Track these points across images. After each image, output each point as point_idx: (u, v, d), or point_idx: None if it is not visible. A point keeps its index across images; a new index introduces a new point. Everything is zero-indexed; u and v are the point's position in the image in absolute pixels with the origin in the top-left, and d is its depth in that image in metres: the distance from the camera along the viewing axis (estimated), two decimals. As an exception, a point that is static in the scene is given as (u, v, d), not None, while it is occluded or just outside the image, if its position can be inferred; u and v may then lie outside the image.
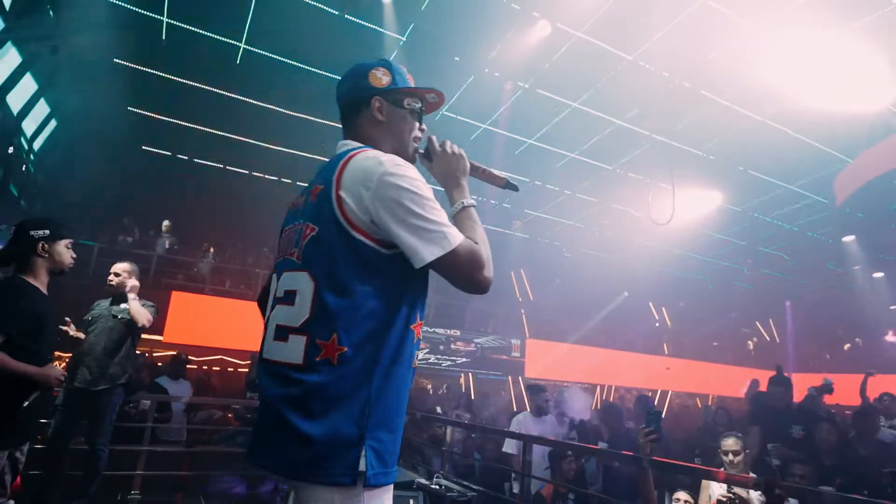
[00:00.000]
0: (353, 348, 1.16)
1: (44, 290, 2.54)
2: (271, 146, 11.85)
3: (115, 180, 10.82)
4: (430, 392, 12.77)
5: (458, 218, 1.33)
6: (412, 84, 1.44)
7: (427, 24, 8.22)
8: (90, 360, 4.22)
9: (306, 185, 1.37)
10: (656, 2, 7.58)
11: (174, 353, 10.73)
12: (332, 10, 7.79)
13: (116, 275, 4.44)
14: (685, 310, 18.47)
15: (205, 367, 10.59)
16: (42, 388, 2.49)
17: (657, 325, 18.56)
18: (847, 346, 17.14)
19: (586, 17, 7.77)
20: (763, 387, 10.53)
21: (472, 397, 13.68)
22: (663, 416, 3.88)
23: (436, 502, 4.12)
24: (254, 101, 10.39)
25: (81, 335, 4.24)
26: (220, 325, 10.40)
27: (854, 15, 7.09)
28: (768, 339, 19.72)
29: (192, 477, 5.20)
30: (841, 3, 6.93)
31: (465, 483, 4.47)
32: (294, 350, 1.19)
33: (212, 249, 12.47)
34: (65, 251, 2.56)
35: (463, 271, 1.21)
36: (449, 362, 12.70)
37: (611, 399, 14.60)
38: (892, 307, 14.36)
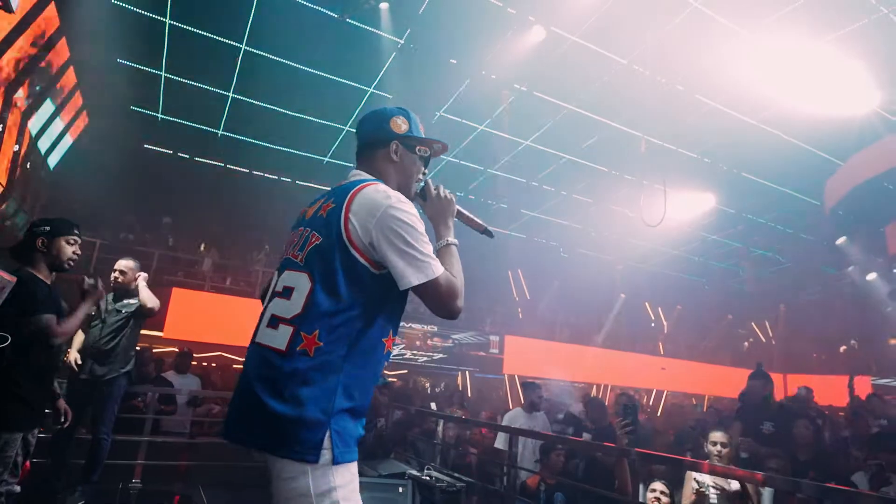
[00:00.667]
0: (330, 345, 1.38)
1: (47, 282, 2.71)
2: (271, 146, 12.00)
3: (118, 178, 10.96)
4: (429, 390, 12.93)
5: (442, 252, 1.58)
6: (423, 133, 1.72)
7: (424, 27, 8.36)
8: (95, 353, 4.40)
9: (320, 194, 1.61)
10: (650, 7, 7.74)
11: (175, 349, 10.91)
12: (331, 14, 7.94)
13: (122, 273, 4.61)
14: (681, 310, 18.62)
15: (205, 364, 10.74)
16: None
17: (653, 325, 18.72)
18: (843, 349, 17.28)
19: (581, 21, 7.93)
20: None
21: (469, 395, 13.88)
22: (658, 413, 4.03)
23: (425, 492, 4.28)
24: (254, 101, 10.54)
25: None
26: (220, 322, 10.56)
27: (839, 24, 7.26)
28: (763, 339, 19.87)
29: (192, 467, 5.37)
30: (827, 13, 7.11)
31: (456, 475, 4.63)
32: (280, 337, 1.39)
33: (203, 247, 12.66)
34: (65, 247, 2.72)
35: (440, 298, 1.45)
36: (425, 358, 12.87)
37: (606, 399, 14.73)
38: (888, 309, 14.50)
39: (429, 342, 13.01)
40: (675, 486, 3.76)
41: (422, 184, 1.70)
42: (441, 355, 12.94)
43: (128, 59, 9.38)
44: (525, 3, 7.70)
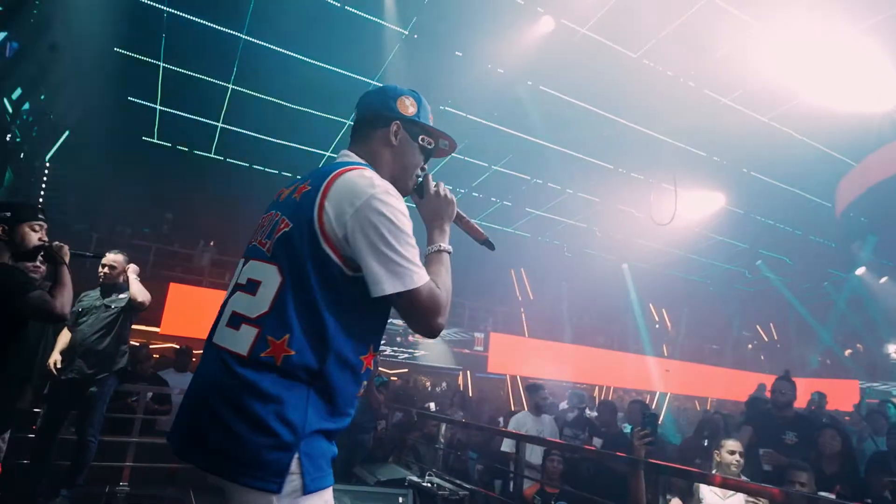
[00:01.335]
0: (300, 354, 1.15)
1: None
2: (271, 139, 11.78)
3: (115, 170, 10.78)
4: (429, 389, 12.72)
5: (431, 259, 1.36)
6: (432, 123, 1.48)
7: (430, 17, 8.13)
8: (84, 351, 4.19)
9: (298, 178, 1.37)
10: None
11: (172, 345, 10.71)
12: (333, 2, 7.71)
13: (112, 267, 4.41)
14: (686, 311, 18.40)
15: (202, 360, 10.55)
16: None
17: (657, 326, 18.51)
18: (848, 352, 17.06)
19: (591, 13, 7.69)
20: (770, 392, 10.49)
21: (470, 395, 13.66)
22: (660, 418, 3.82)
23: (426, 500, 4.07)
24: (254, 94, 10.31)
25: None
26: (217, 318, 10.36)
27: (862, 15, 7.00)
28: (767, 341, 19.65)
29: (183, 470, 5.15)
30: (846, 3, 6.84)
31: (458, 482, 4.41)
32: (242, 340, 1.17)
33: (202, 242, 12.45)
34: (29, 233, 2.48)
35: (419, 312, 1.22)
36: (406, 354, 12.64)
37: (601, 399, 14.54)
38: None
39: (410, 338, 12.76)
40: (687, 497, 3.55)
41: (420, 178, 1.46)
42: (423, 352, 12.63)
43: (125, 49, 9.15)
44: (534, -8, 7.46)
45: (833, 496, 3.47)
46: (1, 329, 2.30)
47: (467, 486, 4.35)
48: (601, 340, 15.54)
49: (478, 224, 1.57)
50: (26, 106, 8.44)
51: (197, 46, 9.02)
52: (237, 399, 1.12)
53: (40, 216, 2.52)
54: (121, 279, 4.46)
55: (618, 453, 3.67)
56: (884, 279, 13.87)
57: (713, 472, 3.52)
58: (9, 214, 2.44)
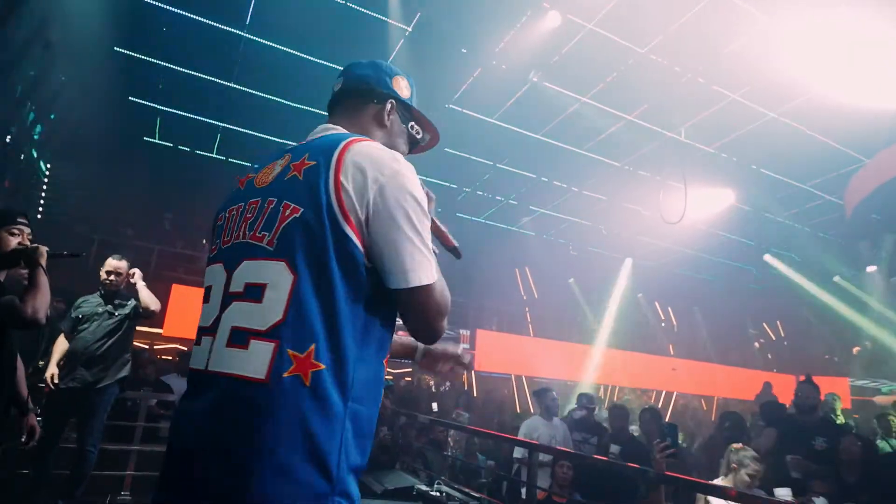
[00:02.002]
0: (333, 368, 0.95)
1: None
2: (273, 138, 11.66)
3: (116, 171, 10.69)
4: (433, 389, 12.60)
5: None
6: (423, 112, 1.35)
7: (434, 13, 7.99)
8: (87, 359, 4.10)
9: (270, 155, 1.20)
10: (669, -7, 7.36)
11: (177, 346, 10.62)
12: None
13: (117, 273, 4.33)
14: (692, 310, 18.26)
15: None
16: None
17: (663, 324, 18.38)
18: (855, 350, 16.89)
19: (598, 8, 7.53)
20: (776, 390, 10.30)
21: (475, 395, 13.55)
22: (667, 418, 3.70)
23: (436, 511, 3.96)
24: (256, 92, 10.20)
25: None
26: (220, 320, 10.28)
27: (876, 5, 6.82)
28: (774, 339, 19.49)
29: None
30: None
31: (466, 490, 4.31)
32: (256, 361, 0.94)
33: (205, 242, 12.35)
34: (8, 238, 2.38)
35: (430, 311, 1.07)
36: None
37: (615, 399, 14.43)
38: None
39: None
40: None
41: None
42: None
43: (125, 48, 9.04)
44: (540, -13, 7.31)
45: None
46: None
47: (476, 494, 4.24)
48: (609, 339, 15.38)
49: (447, 232, 1.44)
50: (28, 107, 8.35)
51: (198, 45, 8.89)
52: (259, 437, 0.90)
53: (20, 219, 2.41)
54: (123, 286, 4.39)
55: (635, 465, 3.54)
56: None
57: (724, 474, 3.40)
58: None
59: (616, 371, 14.47)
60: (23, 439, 2.79)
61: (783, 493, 3.24)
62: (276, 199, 1.06)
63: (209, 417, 0.97)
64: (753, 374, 15.58)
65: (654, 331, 17.71)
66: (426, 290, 1.04)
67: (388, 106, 1.28)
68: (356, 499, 0.98)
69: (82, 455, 4.05)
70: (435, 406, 10.72)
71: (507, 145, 11.44)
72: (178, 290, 10.49)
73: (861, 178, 10.27)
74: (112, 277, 4.29)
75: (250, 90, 10.15)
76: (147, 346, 10.27)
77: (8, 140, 8.06)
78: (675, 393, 15.93)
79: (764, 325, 19.58)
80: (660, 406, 15.42)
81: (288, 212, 1.03)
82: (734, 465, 3.34)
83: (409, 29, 8.37)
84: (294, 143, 1.24)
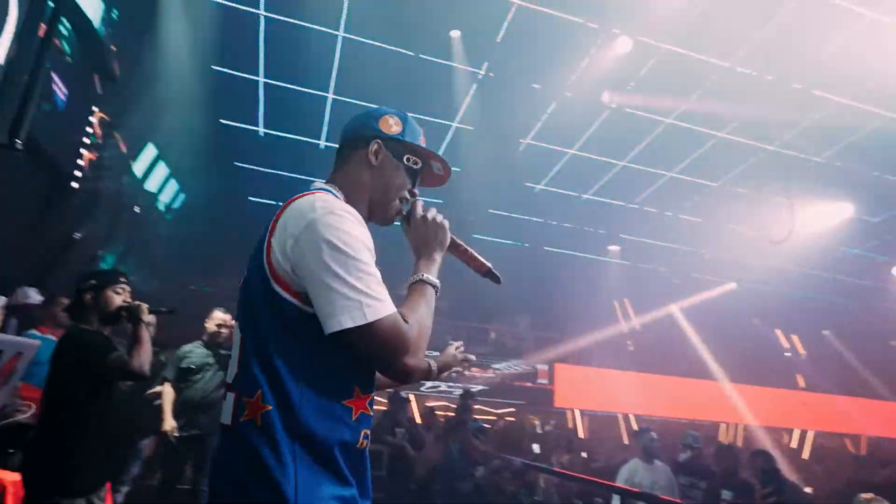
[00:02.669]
0: (277, 409, 1.04)
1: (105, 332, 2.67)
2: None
3: (224, 228, 11.57)
4: (539, 430, 12.17)
5: (410, 290, 1.22)
6: (423, 145, 1.36)
7: (504, 55, 8.15)
8: (207, 406, 4.44)
9: None
10: (750, 1, 6.98)
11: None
12: (406, 52, 7.99)
13: (227, 326, 4.69)
14: (821, 336, 16.36)
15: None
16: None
17: (787, 354, 16.61)
18: None
19: (671, 27, 7.28)
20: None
21: (581, 435, 12.91)
22: (805, 456, 3.29)
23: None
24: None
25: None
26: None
27: None
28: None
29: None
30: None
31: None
32: (227, 410, 1.12)
33: None
34: (113, 297, 2.66)
35: (377, 351, 1.08)
36: (461, 391, 12.05)
37: (735, 440, 13.17)
38: None
39: (466, 373, 12.26)
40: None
41: (408, 204, 1.34)
42: (481, 387, 12.01)
43: (228, 119, 10.05)
44: (606, 14, 7.20)
45: None
46: (87, 389, 2.45)
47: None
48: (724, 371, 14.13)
49: (478, 254, 1.42)
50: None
51: (290, 111, 9.72)
52: (230, 474, 1.05)
53: (122, 279, 2.72)
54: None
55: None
56: None
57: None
58: (94, 282, 2.65)
59: (734, 406, 13.20)
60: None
61: None
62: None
63: (214, 458, 1.16)
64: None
65: (777, 360, 16.03)
66: (358, 331, 1.04)
67: (374, 146, 1.31)
68: None
69: (197, 494, 4.36)
70: (536, 447, 10.38)
71: (591, 175, 11.21)
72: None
73: None
74: (224, 331, 4.67)
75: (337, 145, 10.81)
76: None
77: (137, 210, 9.06)
78: (811, 432, 14.19)
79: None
80: (795, 446, 13.81)
81: (244, 277, 1.19)
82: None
83: (482, 72, 8.58)
84: None
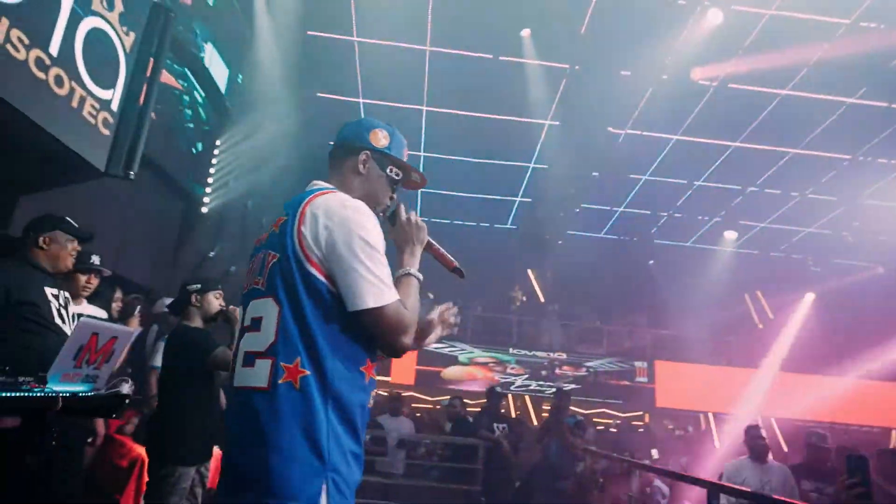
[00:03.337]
0: (315, 375, 1.23)
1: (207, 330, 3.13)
2: (463, 194, 12.57)
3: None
4: (676, 434, 11.51)
5: (399, 282, 1.40)
6: (405, 158, 1.58)
7: (589, 46, 8.00)
8: None
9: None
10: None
11: (381, 392, 11.78)
12: (485, 55, 8.15)
13: None
14: None
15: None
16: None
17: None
18: None
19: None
20: None
21: (716, 438, 11.98)
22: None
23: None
24: (442, 156, 11.25)
25: None
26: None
27: None
28: None
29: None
30: None
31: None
32: (260, 374, 1.25)
33: (430, 295, 13.57)
34: (213, 301, 3.11)
35: (385, 330, 1.27)
36: (553, 389, 11.40)
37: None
38: None
39: (557, 371, 11.67)
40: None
41: (392, 207, 1.54)
42: (573, 385, 11.40)
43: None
44: (692, -13, 6.83)
45: None
46: (194, 377, 2.92)
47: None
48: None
49: (447, 253, 1.61)
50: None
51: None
52: (266, 431, 1.18)
53: (219, 286, 3.18)
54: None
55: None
56: None
57: None
58: (199, 286, 3.12)
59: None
60: None
61: None
62: (266, 251, 1.38)
63: (235, 420, 1.30)
64: None
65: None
66: (375, 311, 1.25)
67: (363, 156, 1.51)
68: (347, 479, 1.22)
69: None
70: (655, 453, 9.88)
71: (700, 160, 10.51)
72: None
73: None
74: None
75: (437, 155, 11.23)
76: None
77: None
78: None
79: None
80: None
81: (270, 259, 1.35)
82: None
83: (568, 66, 8.49)
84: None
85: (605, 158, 10.22)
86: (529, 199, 12.74)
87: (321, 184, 1.50)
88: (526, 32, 7.68)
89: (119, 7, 3.04)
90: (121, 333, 1.95)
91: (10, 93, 2.44)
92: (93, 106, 2.96)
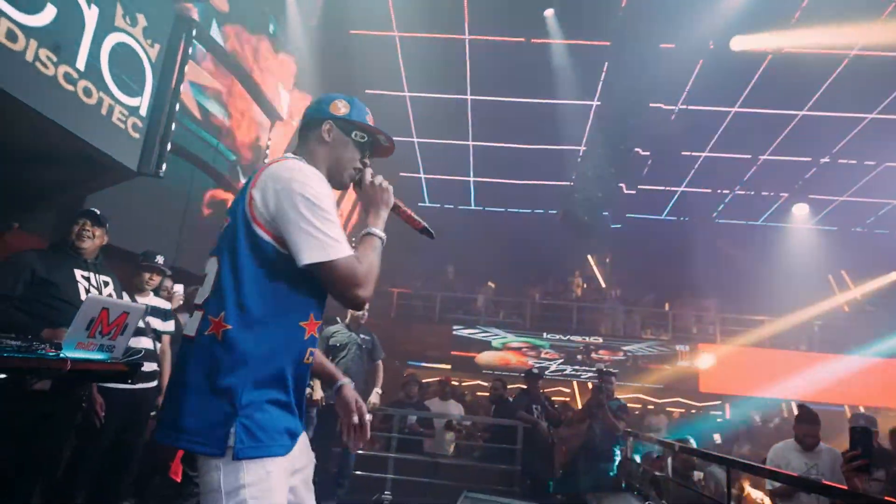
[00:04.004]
0: (238, 329, 1.32)
1: None
2: (516, 182, 12.53)
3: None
4: (759, 423, 10.99)
5: (361, 240, 1.48)
6: (370, 122, 1.64)
7: (628, 22, 7.77)
8: (351, 379, 5.24)
9: None
10: None
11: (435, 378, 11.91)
12: (519, 40, 8.11)
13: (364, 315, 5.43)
14: None
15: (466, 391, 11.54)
16: None
17: None
18: None
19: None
20: None
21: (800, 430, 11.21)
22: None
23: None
24: (492, 144, 11.29)
25: None
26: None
27: None
28: None
29: (439, 486, 5.72)
30: None
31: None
32: (193, 324, 1.37)
33: (491, 284, 13.61)
34: None
35: (337, 283, 1.35)
36: (590, 374, 10.88)
37: None
38: None
39: (593, 355, 11.27)
40: None
41: (359, 172, 1.61)
42: (610, 370, 10.88)
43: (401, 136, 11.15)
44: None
45: None
46: None
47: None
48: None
49: (414, 214, 1.63)
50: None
51: (438, 117, 10.46)
52: (187, 375, 1.31)
53: None
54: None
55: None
56: None
57: None
58: None
59: None
60: None
61: None
62: (226, 218, 1.50)
63: (173, 368, 1.52)
64: None
65: None
66: (326, 266, 1.32)
67: (326, 126, 1.59)
68: (265, 424, 1.31)
69: (345, 456, 5.15)
70: (717, 438, 9.52)
71: (761, 132, 9.91)
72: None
73: None
74: (366, 314, 5.40)
75: (487, 143, 11.28)
76: (414, 372, 11.76)
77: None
78: None
79: None
80: None
81: (224, 223, 1.50)
82: None
83: (608, 43, 8.28)
84: None
85: (657, 136, 9.86)
86: (576, 184, 12.52)
87: (289, 154, 1.61)
88: (549, 12, 7.56)
89: (142, 22, 3.42)
90: (132, 309, 2.22)
91: (42, 104, 2.83)
92: (122, 112, 3.36)
